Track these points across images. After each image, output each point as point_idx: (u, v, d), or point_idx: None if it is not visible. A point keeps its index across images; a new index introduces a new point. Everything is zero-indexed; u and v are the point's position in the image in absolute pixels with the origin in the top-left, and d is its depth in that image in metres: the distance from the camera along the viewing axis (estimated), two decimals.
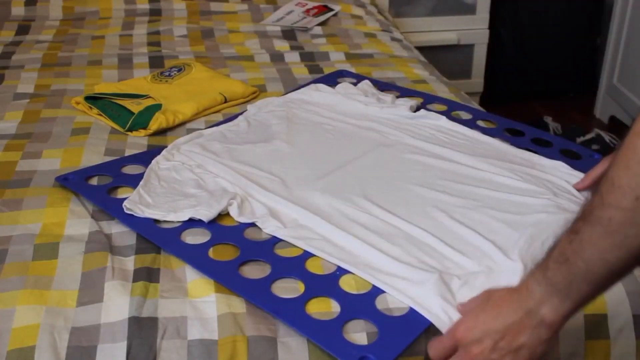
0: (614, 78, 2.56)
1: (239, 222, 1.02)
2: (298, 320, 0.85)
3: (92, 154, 1.21)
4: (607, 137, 2.36)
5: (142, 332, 0.84)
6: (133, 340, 0.83)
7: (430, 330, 0.85)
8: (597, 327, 0.91)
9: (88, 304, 0.87)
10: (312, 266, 0.94)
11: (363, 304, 0.87)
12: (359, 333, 0.84)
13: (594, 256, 0.65)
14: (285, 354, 0.83)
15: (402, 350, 0.81)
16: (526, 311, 0.72)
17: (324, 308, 0.87)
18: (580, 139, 2.36)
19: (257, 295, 0.88)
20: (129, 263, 0.94)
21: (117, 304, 0.87)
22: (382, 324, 0.84)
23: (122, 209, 1.04)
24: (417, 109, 1.37)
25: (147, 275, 0.92)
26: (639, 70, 2.41)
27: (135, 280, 0.91)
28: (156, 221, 1.02)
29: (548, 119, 2.45)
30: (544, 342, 0.73)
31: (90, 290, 0.89)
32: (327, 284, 0.90)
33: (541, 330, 0.72)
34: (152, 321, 0.85)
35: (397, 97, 1.43)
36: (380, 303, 0.87)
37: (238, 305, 0.87)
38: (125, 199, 1.06)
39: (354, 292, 0.89)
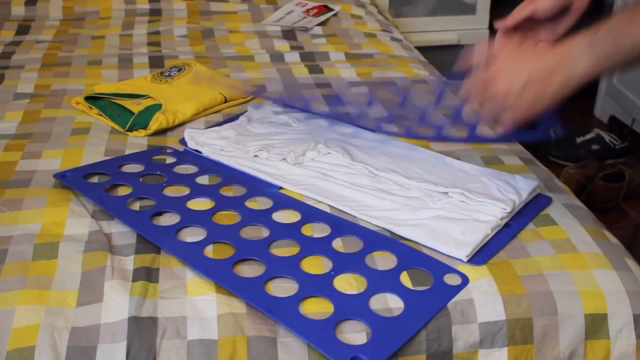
0: (614, 78, 2.56)
1: (236, 221, 1.03)
2: (291, 319, 0.85)
3: (92, 154, 1.21)
4: (607, 137, 2.36)
5: (142, 332, 0.84)
6: (133, 340, 0.83)
7: (427, 327, 0.85)
8: (597, 327, 0.91)
9: (88, 304, 0.87)
10: (307, 265, 0.94)
11: (357, 304, 0.87)
12: (353, 334, 0.84)
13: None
14: (285, 354, 0.83)
15: (395, 350, 0.81)
16: (561, 64, 0.84)
17: (318, 308, 0.87)
18: (580, 139, 2.36)
19: (251, 294, 0.88)
20: (129, 263, 0.94)
21: (116, 304, 0.87)
22: (376, 325, 0.84)
23: (120, 206, 1.04)
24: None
25: (146, 275, 0.92)
26: (639, 70, 2.41)
27: (134, 280, 0.91)
28: (153, 218, 1.03)
29: None
30: (565, 94, 0.85)
31: (90, 290, 0.89)
32: (321, 283, 0.90)
33: (569, 82, 0.85)
34: (152, 321, 0.85)
35: None
36: (374, 304, 0.87)
37: (238, 305, 0.87)
38: (123, 197, 1.07)
39: (348, 292, 0.89)
